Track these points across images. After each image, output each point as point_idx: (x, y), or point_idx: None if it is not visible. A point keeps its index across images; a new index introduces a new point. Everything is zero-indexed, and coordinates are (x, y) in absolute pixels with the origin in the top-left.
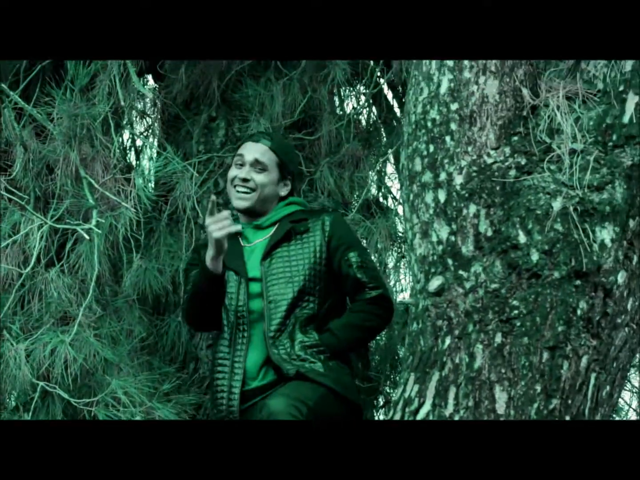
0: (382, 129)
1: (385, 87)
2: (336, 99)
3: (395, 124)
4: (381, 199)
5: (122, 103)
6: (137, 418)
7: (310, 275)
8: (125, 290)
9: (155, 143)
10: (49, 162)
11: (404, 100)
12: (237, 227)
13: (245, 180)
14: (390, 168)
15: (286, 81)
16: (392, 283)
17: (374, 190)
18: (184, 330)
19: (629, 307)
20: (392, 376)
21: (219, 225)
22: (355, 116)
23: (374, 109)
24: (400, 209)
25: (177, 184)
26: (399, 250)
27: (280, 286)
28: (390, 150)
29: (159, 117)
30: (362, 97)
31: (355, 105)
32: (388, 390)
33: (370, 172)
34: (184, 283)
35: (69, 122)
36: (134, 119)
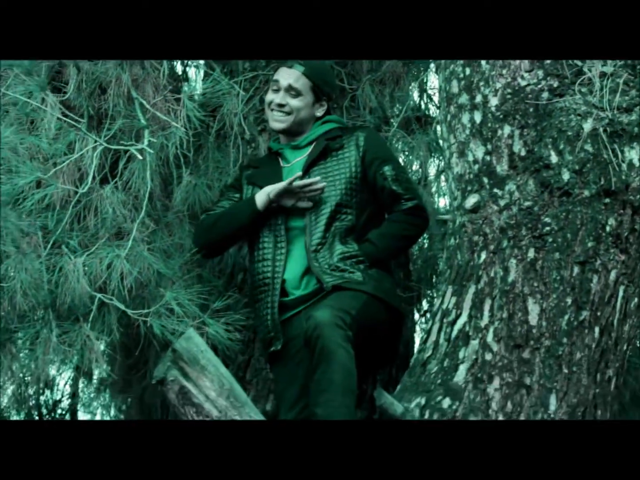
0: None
1: None
2: None
3: None
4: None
5: None
6: (190, 330)
7: (347, 189)
8: (176, 206)
9: (202, 62)
10: (101, 83)
11: None
12: (308, 204)
13: (281, 105)
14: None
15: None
16: (434, 190)
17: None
18: None
19: None
20: (432, 286)
21: (293, 198)
22: None
23: None
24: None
25: (224, 102)
26: (439, 164)
27: (319, 201)
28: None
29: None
30: None
31: None
32: (428, 300)
33: (409, 88)
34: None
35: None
36: None
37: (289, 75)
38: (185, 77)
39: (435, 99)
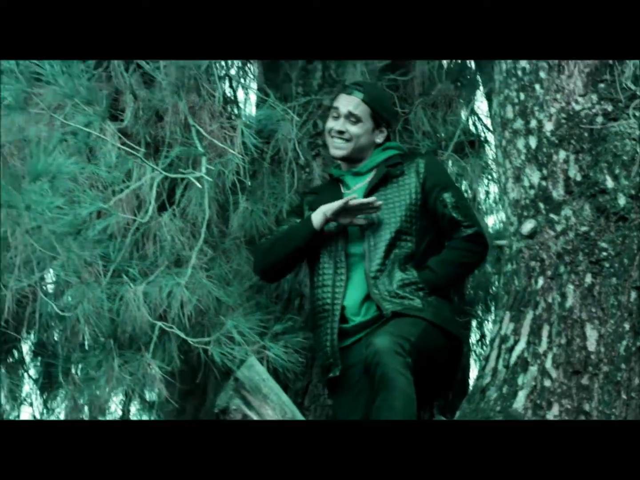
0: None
1: None
2: None
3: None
4: (475, 136)
5: None
6: (250, 356)
7: (406, 216)
8: (233, 232)
9: (255, 86)
10: (158, 110)
11: None
12: (364, 222)
13: (340, 132)
14: (483, 107)
15: None
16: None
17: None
18: None
19: None
20: (486, 311)
21: (349, 217)
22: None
23: None
24: (488, 150)
25: (279, 127)
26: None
27: (379, 228)
28: (480, 91)
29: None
30: None
31: None
32: (478, 321)
33: (462, 112)
34: (278, 225)
35: (177, 73)
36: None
37: (348, 102)
38: (236, 102)
39: (485, 121)
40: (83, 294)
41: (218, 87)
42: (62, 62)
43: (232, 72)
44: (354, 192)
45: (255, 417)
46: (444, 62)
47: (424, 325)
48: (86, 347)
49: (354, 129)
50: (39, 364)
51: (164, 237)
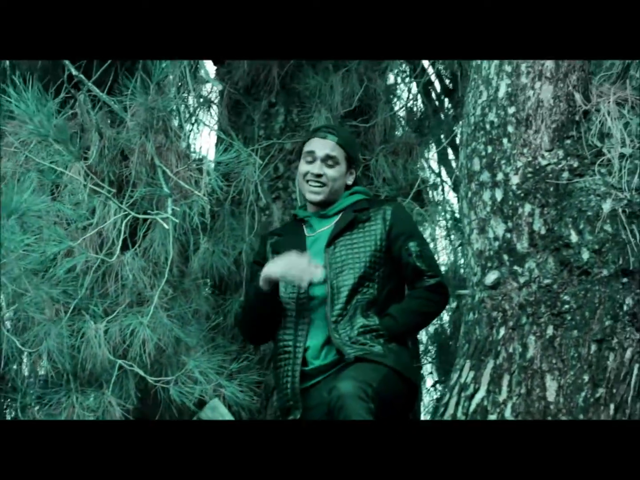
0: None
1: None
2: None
3: (445, 113)
4: (432, 189)
5: (192, 92)
6: (207, 395)
7: (371, 262)
8: (193, 272)
9: (216, 128)
10: (123, 149)
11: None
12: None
13: (318, 175)
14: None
15: (344, 72)
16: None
17: (425, 178)
18: None
19: None
20: (439, 358)
21: (307, 276)
22: (408, 106)
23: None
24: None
25: (242, 170)
26: (449, 237)
27: (342, 273)
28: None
29: (226, 104)
30: (414, 87)
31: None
32: (436, 372)
33: (422, 160)
34: (249, 278)
35: (146, 114)
36: (200, 107)
37: (324, 146)
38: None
39: (443, 171)
40: (48, 330)
41: (184, 128)
42: (37, 100)
43: (200, 115)
44: (318, 235)
45: None
46: (402, 113)
47: (385, 372)
48: (47, 384)
49: (331, 172)
50: None
51: (126, 276)
